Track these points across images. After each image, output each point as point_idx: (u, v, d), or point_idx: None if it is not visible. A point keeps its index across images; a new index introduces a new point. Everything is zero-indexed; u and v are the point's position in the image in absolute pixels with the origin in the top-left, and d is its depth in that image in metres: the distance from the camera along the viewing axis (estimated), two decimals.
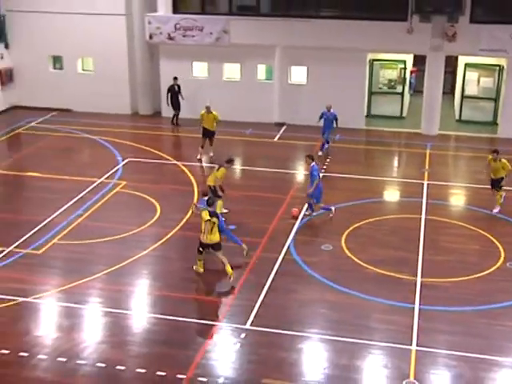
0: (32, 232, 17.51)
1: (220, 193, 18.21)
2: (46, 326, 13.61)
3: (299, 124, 26.08)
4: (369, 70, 27.13)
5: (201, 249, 15.30)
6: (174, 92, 26.93)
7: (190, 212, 17.51)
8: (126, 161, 22.79)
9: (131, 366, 12.28)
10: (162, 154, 23.58)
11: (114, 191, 20.13)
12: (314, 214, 18.52)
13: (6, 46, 28.98)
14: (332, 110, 23.16)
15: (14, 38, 28.98)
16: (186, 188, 20.55)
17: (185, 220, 18.23)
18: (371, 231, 17.74)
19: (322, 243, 16.99)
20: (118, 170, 22.04)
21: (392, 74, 27.92)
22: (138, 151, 23.86)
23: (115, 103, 28.37)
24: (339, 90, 26.18)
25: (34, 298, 14.47)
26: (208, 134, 23.04)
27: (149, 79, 28.23)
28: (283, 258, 16.16)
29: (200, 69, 28.07)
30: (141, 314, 14.06)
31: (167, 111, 27.82)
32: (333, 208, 18.49)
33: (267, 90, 27.10)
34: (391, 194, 20.81)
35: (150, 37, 27.21)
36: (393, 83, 27.97)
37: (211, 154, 23.03)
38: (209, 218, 14.77)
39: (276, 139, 25.46)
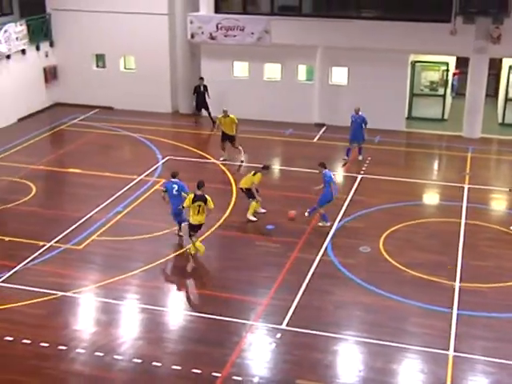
0: (72, 228, 17.79)
1: (256, 195, 18.29)
2: (84, 321, 13.82)
3: (339, 125, 25.95)
4: (410, 71, 26.90)
5: (191, 232, 16.22)
6: (200, 92, 27.04)
7: (162, 197, 17.10)
8: (165, 159, 22.97)
9: (167, 362, 12.39)
10: (201, 152, 23.71)
11: (153, 189, 20.32)
12: (320, 224, 17.98)
13: (51, 44, 29.45)
14: (361, 113, 22.68)
15: (58, 36, 29.43)
16: (224, 187, 20.64)
17: (223, 219, 18.32)
18: (410, 234, 17.60)
19: (360, 245, 16.91)
20: (157, 168, 22.23)
21: (434, 76, 27.61)
22: (177, 150, 24.03)
23: (156, 102, 28.61)
24: (380, 92, 26.03)
25: (73, 293, 14.70)
26: (227, 138, 22.76)
27: (189, 78, 28.40)
28: (320, 259, 16.14)
29: (241, 69, 28.15)
30: (177, 311, 14.18)
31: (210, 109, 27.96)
32: (328, 223, 17.88)
33: (307, 91, 27.05)
34: (431, 197, 20.60)
35: (192, 36, 27.38)
36: (435, 85, 27.65)
37: (242, 159, 22.75)
38: (189, 203, 15.92)
39: (315, 140, 25.40)
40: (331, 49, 26.19)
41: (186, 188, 17.05)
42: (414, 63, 27.07)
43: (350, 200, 19.67)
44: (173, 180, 17.06)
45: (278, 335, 13.20)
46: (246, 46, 26.89)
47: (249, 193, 18.47)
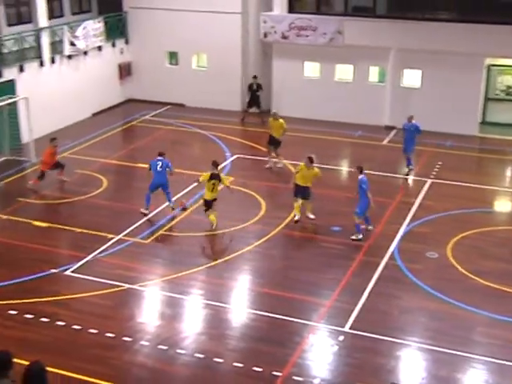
0: (141, 222, 18.10)
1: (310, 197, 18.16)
2: (149, 314, 14.05)
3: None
4: (486, 75, 26.27)
5: (206, 207, 17.70)
6: (252, 90, 27.22)
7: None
8: (234, 157, 23.12)
9: (228, 359, 12.46)
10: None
11: (221, 186, 20.44)
12: (370, 227, 17.56)
13: (127, 42, 30.04)
14: (414, 121, 21.71)
15: (133, 33, 30.00)
16: (290, 186, 20.58)
17: (289, 219, 18.30)
18: (479, 241, 17.19)
19: (427, 250, 16.63)
20: (226, 165, 22.39)
21: (511, 80, 26.90)
22: (246, 148, 24.15)
23: (226, 100, 28.81)
24: (453, 95, 25.52)
25: (140, 286, 14.95)
26: (273, 142, 22.24)
27: (260, 77, 28.47)
28: (386, 263, 15.94)
29: (312, 69, 28.07)
30: (240, 308, 14.25)
31: (277, 109, 27.90)
32: (361, 236, 17.13)
33: (379, 93, 26.77)
34: (503, 205, 20.08)
35: (265, 35, 27.46)
36: (511, 90, 26.94)
37: (278, 165, 22.25)
38: (205, 179, 17.55)
39: (385, 142, 25.12)
40: (404, 51, 25.84)
41: (170, 165, 18.62)
42: (489, 67, 26.43)
43: (419, 204, 19.37)
44: (158, 158, 18.67)
45: (341, 338, 13.11)
46: (317, 46, 26.80)
47: (307, 191, 18.12)
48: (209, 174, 17.67)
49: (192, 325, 13.66)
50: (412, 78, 26.60)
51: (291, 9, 27.27)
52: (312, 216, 18.19)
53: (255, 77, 27.37)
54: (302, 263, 16.05)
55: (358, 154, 24.09)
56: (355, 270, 15.66)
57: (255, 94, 27.34)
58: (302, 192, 18.07)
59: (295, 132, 25.82)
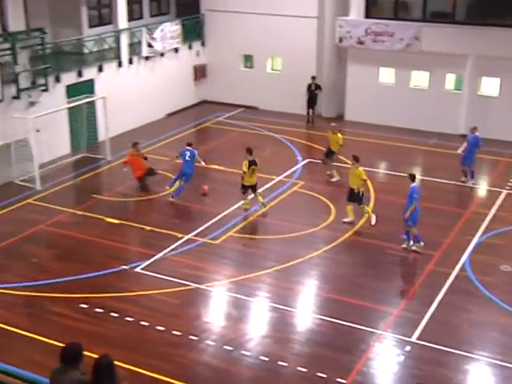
0: (210, 222, 18.26)
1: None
2: (215, 314, 14.16)
3: (486, 137, 24.95)
4: None
5: (243, 190, 18.96)
6: (312, 91, 27.36)
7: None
8: (305, 161, 23.07)
9: (293, 363, 12.43)
10: (341, 157, 23.58)
11: (291, 190, 20.47)
12: (414, 247, 16.65)
13: (203, 44, 30.41)
14: (477, 133, 20.92)
15: (209, 36, 30.32)
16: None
17: (359, 225, 18.15)
18: None
19: (501, 263, 16.18)
20: (297, 169, 22.37)
21: None
22: (318, 153, 24.05)
23: (300, 104, 28.74)
24: None
25: (207, 286, 15.08)
26: (329, 154, 21.79)
27: (335, 82, 28.35)
28: (457, 275, 15.59)
29: (387, 75, 27.77)
30: (306, 313, 14.20)
31: (351, 115, 27.85)
32: (422, 243, 16.62)
33: (455, 101, 26.24)
34: None
35: (340, 40, 27.31)
36: None
37: (333, 179, 21.62)
38: (247, 168, 18.70)
39: (460, 151, 24.57)
40: (483, 58, 25.24)
41: (197, 154, 20.18)
42: None
43: (493, 215, 18.88)
44: (187, 148, 20.06)
45: (407, 348, 12.90)
46: (393, 52, 26.48)
47: (356, 196, 18.14)
48: (247, 161, 18.82)
49: (257, 327, 13.69)
50: (490, 86, 25.98)
51: (368, 14, 27.06)
52: (372, 222, 18.16)
53: (314, 77, 27.48)
54: (370, 270, 15.87)
55: (431, 162, 23.69)
56: (424, 280, 15.38)
57: (313, 95, 27.51)
58: (351, 195, 18.24)
59: (368, 138, 25.62)
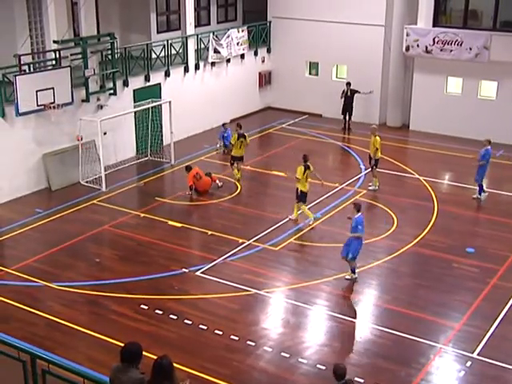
0: (271, 229, 18.28)
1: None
2: (273, 320, 14.13)
3: None
4: None
5: (232, 161, 21.66)
6: (347, 97, 27.41)
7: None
8: (368, 170, 22.86)
9: (350, 373, 12.14)
10: (404, 167, 23.32)
11: (353, 199, 20.30)
12: (347, 276, 15.69)
13: (268, 51, 30.53)
14: (489, 147, 20.26)
15: (275, 43, 30.42)
16: (425, 203, 20.13)
17: (421, 236, 17.89)
18: None
19: None
20: (359, 178, 22.20)
21: None
22: (381, 162, 23.75)
23: (365, 113, 28.54)
24: None
25: (266, 292, 15.09)
26: (371, 161, 21.21)
27: (400, 91, 28.04)
28: None
29: (454, 84, 27.30)
30: (365, 323, 14.05)
31: (416, 125, 27.48)
32: (356, 276, 15.65)
33: None
34: None
35: (407, 49, 27.00)
36: None
37: (372, 187, 21.16)
38: (235, 140, 21.54)
39: None
40: None
41: (230, 136, 23.35)
42: None
43: None
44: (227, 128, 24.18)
45: (468, 363, 12.61)
46: (461, 61, 26.02)
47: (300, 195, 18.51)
48: (236, 134, 21.51)
49: (315, 335, 13.62)
50: None
51: (436, 22, 26.67)
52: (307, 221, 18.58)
53: (349, 83, 27.45)
54: (432, 282, 15.61)
55: (497, 174, 23.13)
56: (488, 295, 15.03)
57: (349, 101, 27.46)
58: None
59: (433, 148, 25.25)
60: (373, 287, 15.58)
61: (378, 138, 21.03)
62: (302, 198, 18.68)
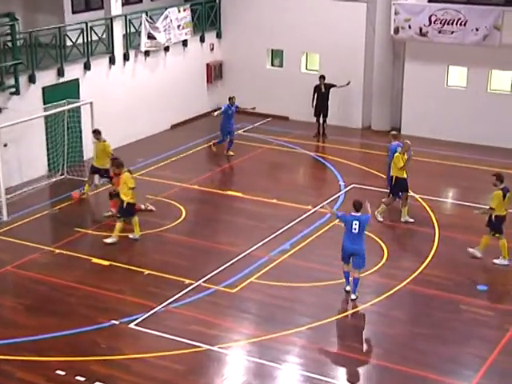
0: (226, 265, 18.23)
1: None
2: None
3: None
4: None
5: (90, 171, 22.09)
6: (321, 94, 27.52)
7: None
8: (349, 187, 23.01)
9: None
10: None
11: (331, 224, 20.38)
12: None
13: (218, 36, 30.66)
14: (395, 143, 21.09)
15: (227, 26, 30.62)
16: (423, 229, 20.32)
17: (419, 271, 18.02)
18: None
19: None
20: (338, 197, 22.33)
21: None
22: (365, 176, 23.99)
23: (343, 114, 28.76)
24: None
25: (221, 348, 15.01)
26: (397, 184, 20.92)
27: (388, 86, 28.35)
28: None
29: (457, 75, 27.74)
30: None
31: (409, 128, 27.78)
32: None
33: None
34: None
35: (396, 31, 27.38)
36: None
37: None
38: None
39: None
40: None
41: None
42: None
43: None
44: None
45: None
46: (466, 46, 26.44)
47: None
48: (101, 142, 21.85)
49: None
50: None
51: None
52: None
53: (323, 77, 27.63)
54: (434, 331, 15.71)
55: None
56: (507, 345, 15.18)
57: (324, 99, 27.65)
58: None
59: (432, 158, 25.51)
60: (358, 338, 15.61)
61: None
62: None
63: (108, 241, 19.39)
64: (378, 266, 18.27)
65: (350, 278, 16.91)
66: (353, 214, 16.66)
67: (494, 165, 24.93)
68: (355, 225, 16.48)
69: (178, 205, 21.69)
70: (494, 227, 18.26)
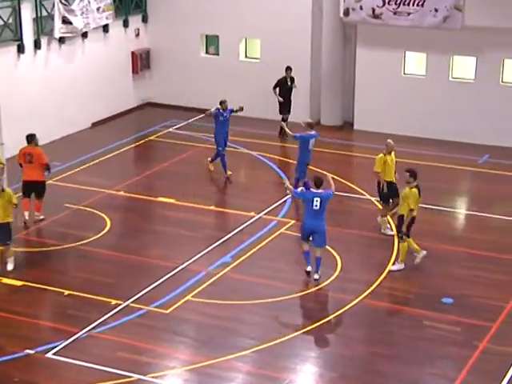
0: (159, 282, 18.18)
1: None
2: None
3: None
4: None
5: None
6: (286, 88, 27.59)
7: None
8: (298, 190, 23.08)
9: None
10: (349, 183, 23.69)
11: (277, 233, 20.45)
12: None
13: (145, 20, 30.55)
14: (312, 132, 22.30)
15: (154, 8, 30.52)
16: (381, 236, 20.49)
17: (376, 283, 18.18)
18: None
19: None
20: (285, 203, 22.41)
21: None
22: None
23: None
24: None
25: (154, 377, 14.97)
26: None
27: (339, 75, 28.51)
28: None
29: (415, 62, 28.03)
30: None
31: (362, 122, 28.00)
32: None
33: None
34: None
35: (346, 13, 27.55)
36: None
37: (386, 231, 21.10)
38: None
39: None
40: None
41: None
42: None
43: None
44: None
45: None
46: (424, 29, 26.70)
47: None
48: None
49: None
50: None
51: None
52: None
53: (289, 69, 27.64)
54: (396, 351, 15.87)
55: (484, 190, 23.78)
56: (476, 364, 15.38)
57: (289, 94, 27.75)
58: None
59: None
60: (311, 361, 15.67)
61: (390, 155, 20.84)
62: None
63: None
64: (330, 279, 18.36)
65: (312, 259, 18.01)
66: (313, 190, 18.16)
67: (459, 162, 25.34)
68: (316, 201, 17.79)
69: (102, 214, 21.56)
70: (400, 228, 18.63)
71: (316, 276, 18.12)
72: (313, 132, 22.43)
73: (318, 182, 18.16)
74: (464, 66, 27.34)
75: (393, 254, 19.41)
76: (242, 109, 24.70)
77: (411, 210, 18.36)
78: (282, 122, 24.64)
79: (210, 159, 24.55)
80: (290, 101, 27.95)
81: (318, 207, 17.86)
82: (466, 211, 22.46)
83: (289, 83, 27.70)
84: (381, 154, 20.55)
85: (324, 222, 18.07)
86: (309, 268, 18.13)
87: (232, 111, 24.66)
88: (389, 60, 27.73)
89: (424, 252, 18.62)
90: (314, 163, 24.03)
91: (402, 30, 27.07)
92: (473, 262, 19.34)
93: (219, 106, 24.35)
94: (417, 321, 16.87)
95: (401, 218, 18.54)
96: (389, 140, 21.09)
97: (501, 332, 16.44)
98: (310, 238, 18.14)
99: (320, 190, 17.99)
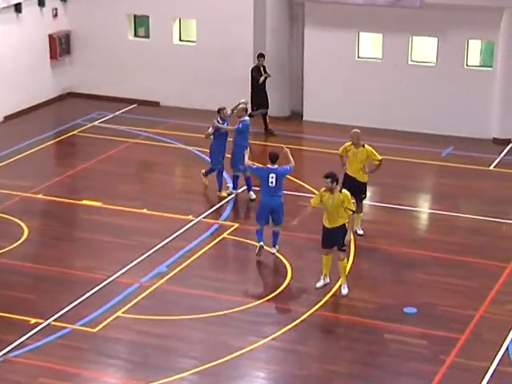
0: (85, 297, 18.06)
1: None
2: None
3: None
4: None
5: None
6: (258, 79, 27.61)
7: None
8: (240, 189, 23.08)
9: None
10: (298, 181, 23.74)
11: (219, 238, 20.43)
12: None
13: None
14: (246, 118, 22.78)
15: None
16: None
17: (331, 292, 18.21)
18: None
19: None
20: (227, 204, 22.38)
21: None
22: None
23: (228, 96, 28.44)
24: None
25: None
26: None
27: (285, 59, 28.58)
28: (497, 371, 15.71)
29: (370, 44, 28.16)
30: None
31: (312, 112, 28.08)
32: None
33: (483, 84, 26.75)
34: None
35: None
36: None
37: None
38: None
39: (492, 167, 25.03)
40: None
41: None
42: None
43: None
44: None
45: None
46: (379, 7, 26.87)
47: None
48: None
49: None
50: None
51: None
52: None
53: (262, 55, 27.65)
54: (355, 369, 15.91)
55: (449, 185, 23.98)
56: (444, 381, 15.48)
57: (263, 85, 27.72)
58: None
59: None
60: (259, 382, 15.68)
61: (369, 147, 20.57)
62: None
63: None
64: (279, 290, 18.40)
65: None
66: (269, 166, 19.34)
67: (421, 155, 25.53)
68: (272, 178, 18.89)
69: (18, 220, 21.39)
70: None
71: (273, 250, 19.42)
72: (246, 118, 23.01)
73: (274, 158, 19.31)
74: (424, 49, 27.51)
75: (349, 258, 19.45)
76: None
77: (354, 212, 18.63)
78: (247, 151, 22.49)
79: (203, 171, 23.68)
80: (264, 93, 27.79)
81: (274, 184, 18.80)
82: (430, 210, 22.60)
83: (262, 72, 27.57)
84: (349, 142, 20.51)
85: (281, 198, 19.32)
86: (261, 243, 19.09)
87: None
88: (341, 42, 27.83)
89: (327, 280, 18.50)
90: (257, 159, 24.12)
91: (355, 7, 27.15)
92: (438, 266, 19.46)
93: (217, 117, 23.09)
94: (377, 334, 16.97)
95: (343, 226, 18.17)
96: (354, 130, 20.62)
97: (470, 344, 16.58)
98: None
99: (275, 166, 18.92)
